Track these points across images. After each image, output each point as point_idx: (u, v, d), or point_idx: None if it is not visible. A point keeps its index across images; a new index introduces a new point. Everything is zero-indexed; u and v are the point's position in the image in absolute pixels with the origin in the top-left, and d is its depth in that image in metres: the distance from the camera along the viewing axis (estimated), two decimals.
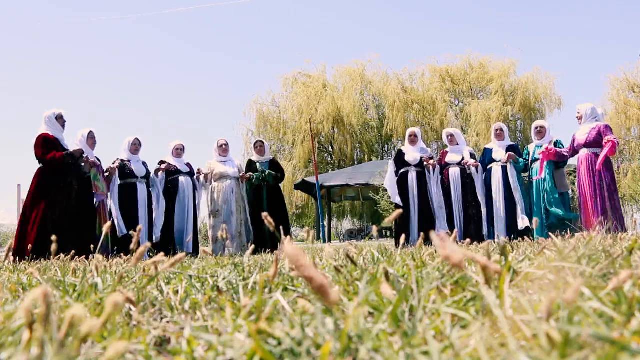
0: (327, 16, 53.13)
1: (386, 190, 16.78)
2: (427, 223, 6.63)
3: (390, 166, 6.99)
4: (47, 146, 5.48)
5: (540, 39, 45.18)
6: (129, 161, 6.41)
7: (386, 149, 28.86)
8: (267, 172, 7.04)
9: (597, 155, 5.83)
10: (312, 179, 14.49)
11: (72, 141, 5.95)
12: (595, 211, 5.70)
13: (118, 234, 5.89)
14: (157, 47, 52.80)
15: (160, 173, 6.58)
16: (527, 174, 6.68)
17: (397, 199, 6.79)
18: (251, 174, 7.00)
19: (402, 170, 7.00)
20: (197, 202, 6.91)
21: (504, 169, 6.59)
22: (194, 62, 52.84)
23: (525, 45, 45.36)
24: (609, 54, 45.33)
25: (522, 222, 6.32)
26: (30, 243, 5.02)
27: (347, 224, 29.49)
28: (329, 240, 17.88)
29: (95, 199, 5.83)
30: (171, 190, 6.65)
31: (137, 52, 51.80)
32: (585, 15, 46.84)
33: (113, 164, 6.21)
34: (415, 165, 6.86)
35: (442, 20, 49.01)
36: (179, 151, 6.93)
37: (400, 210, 1.53)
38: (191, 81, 54.24)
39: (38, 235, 5.16)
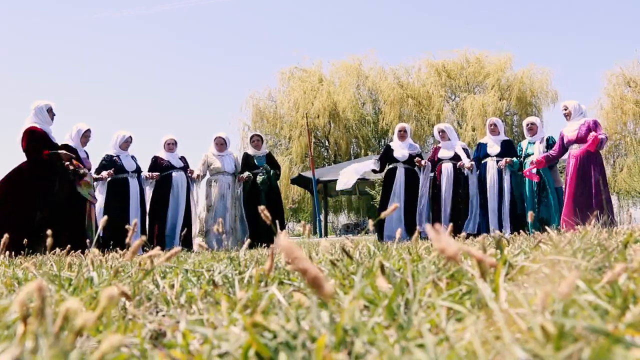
0: (324, 11, 52.96)
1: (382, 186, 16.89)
2: (412, 219, 6.70)
3: (372, 165, 7.19)
4: (35, 141, 5.31)
5: (537, 34, 45.15)
6: (117, 156, 6.39)
7: (382, 143, 28.85)
8: (272, 172, 7.04)
9: (588, 152, 5.84)
10: (308, 174, 14.50)
11: (66, 135, 5.88)
12: (579, 207, 5.66)
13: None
14: (153, 43, 52.52)
15: (151, 180, 6.65)
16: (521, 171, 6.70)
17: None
18: (250, 174, 6.95)
19: (390, 166, 7.05)
20: (191, 197, 6.91)
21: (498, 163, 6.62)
22: (190, 57, 52.58)
23: (522, 40, 45.29)
24: (606, 50, 45.38)
25: (505, 229, 6.31)
26: (15, 236, 4.93)
27: (343, 219, 29.56)
28: (326, 235, 17.89)
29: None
30: (164, 186, 6.65)
31: (133, 48, 51.48)
32: (582, 11, 46.86)
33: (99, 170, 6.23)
34: (404, 162, 6.90)
35: (439, 15, 48.89)
36: (171, 145, 6.93)
37: (397, 205, 1.53)
38: (188, 76, 54.02)
39: (22, 229, 5.06)
